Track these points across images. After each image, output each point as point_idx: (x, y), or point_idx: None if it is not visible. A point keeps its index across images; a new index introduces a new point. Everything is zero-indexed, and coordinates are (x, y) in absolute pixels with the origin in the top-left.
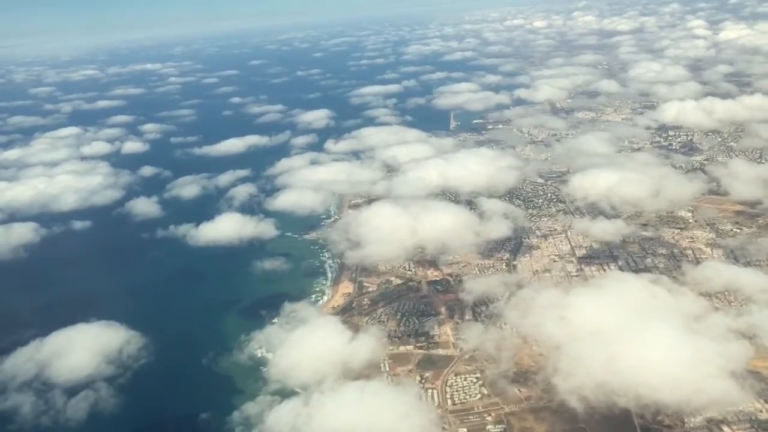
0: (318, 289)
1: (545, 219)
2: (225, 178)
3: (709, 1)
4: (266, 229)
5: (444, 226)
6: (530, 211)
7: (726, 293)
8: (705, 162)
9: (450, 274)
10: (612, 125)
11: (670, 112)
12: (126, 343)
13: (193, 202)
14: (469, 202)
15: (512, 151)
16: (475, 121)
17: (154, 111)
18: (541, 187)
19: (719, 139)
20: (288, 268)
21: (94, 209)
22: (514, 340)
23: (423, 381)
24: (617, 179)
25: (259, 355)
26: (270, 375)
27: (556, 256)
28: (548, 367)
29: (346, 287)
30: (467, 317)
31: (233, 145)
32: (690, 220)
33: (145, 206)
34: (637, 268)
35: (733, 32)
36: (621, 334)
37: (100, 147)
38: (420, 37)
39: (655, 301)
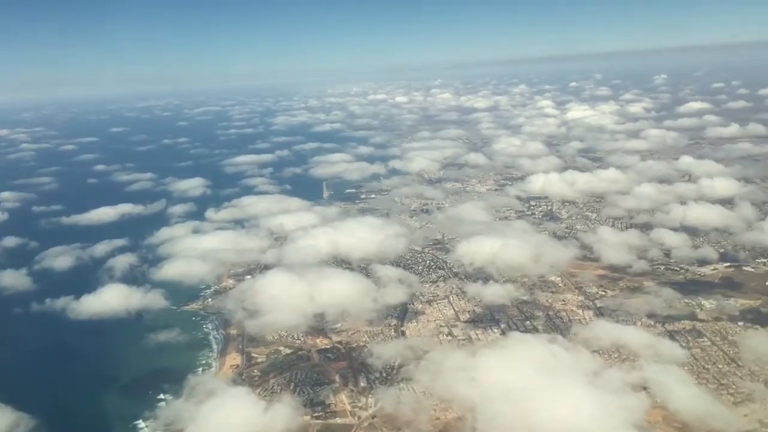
0: (204, 361)
1: (428, 285)
2: (101, 248)
3: (552, 83)
4: (153, 300)
5: (342, 292)
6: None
7: (614, 350)
8: (567, 230)
9: (340, 342)
10: (487, 195)
11: (537, 183)
12: (15, 426)
13: (68, 274)
14: (362, 269)
15: (396, 219)
16: (348, 191)
17: (8, 179)
18: (420, 255)
19: (576, 209)
20: (171, 341)
21: None
22: (425, 403)
23: None
24: (500, 245)
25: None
26: None
27: (441, 321)
28: (466, 428)
29: (234, 359)
30: (362, 384)
31: (105, 213)
32: (560, 284)
33: (13, 279)
34: (518, 330)
35: (578, 112)
36: (530, 392)
37: None
38: (286, 108)
39: (555, 359)
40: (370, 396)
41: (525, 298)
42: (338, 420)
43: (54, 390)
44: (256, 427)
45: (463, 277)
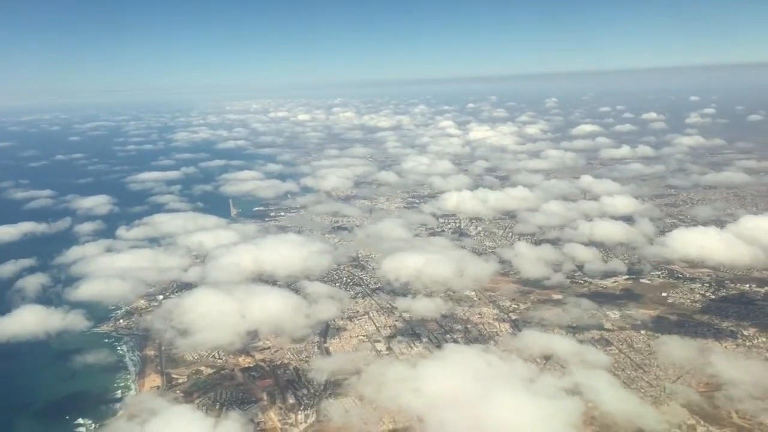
0: (122, 384)
1: (347, 301)
2: (7, 269)
3: (450, 104)
4: (73, 321)
5: (274, 309)
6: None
7: (544, 358)
8: (483, 246)
9: (263, 360)
10: (402, 212)
11: (451, 200)
12: None
13: None
14: (290, 285)
15: (316, 236)
16: (259, 208)
17: None
18: (343, 271)
19: (488, 226)
20: (85, 363)
21: None
22: (371, 414)
23: None
24: (424, 261)
25: None
26: None
27: (364, 336)
28: None
29: (154, 380)
30: (291, 401)
31: (5, 232)
32: (474, 299)
33: None
34: (438, 343)
35: (480, 133)
36: (474, 400)
37: None
38: (185, 124)
39: (492, 368)
40: (299, 412)
41: (443, 312)
42: None
43: None
44: None
45: (382, 293)
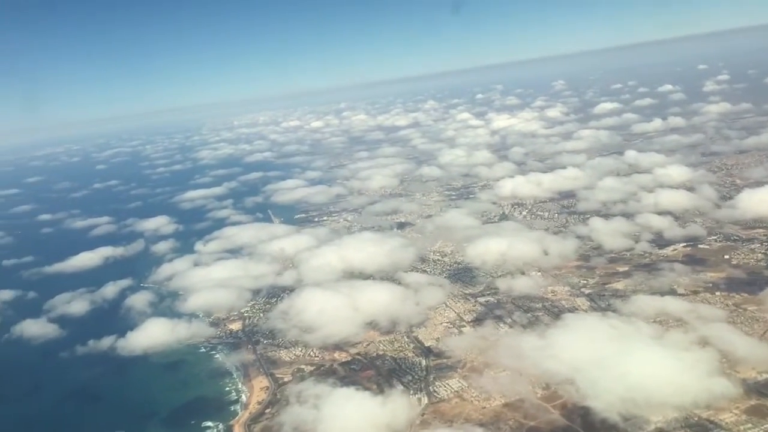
0: (233, 387)
1: (448, 287)
2: (109, 290)
3: (458, 97)
4: (198, 330)
5: (383, 300)
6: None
7: (661, 318)
8: (557, 226)
9: (359, 354)
10: (460, 203)
11: (506, 187)
12: None
13: (90, 317)
14: (384, 279)
15: (388, 233)
16: (300, 215)
17: None
18: (421, 262)
19: (525, 211)
20: (187, 371)
21: None
22: (520, 381)
23: None
24: (506, 244)
25: None
26: None
27: (448, 323)
28: (573, 395)
29: (261, 382)
30: (399, 387)
31: (88, 258)
32: (541, 278)
33: (38, 328)
34: (521, 323)
35: (502, 121)
36: (614, 358)
37: None
38: (202, 142)
39: (618, 330)
40: (411, 396)
41: (516, 293)
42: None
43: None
44: (382, 419)
45: (453, 280)
